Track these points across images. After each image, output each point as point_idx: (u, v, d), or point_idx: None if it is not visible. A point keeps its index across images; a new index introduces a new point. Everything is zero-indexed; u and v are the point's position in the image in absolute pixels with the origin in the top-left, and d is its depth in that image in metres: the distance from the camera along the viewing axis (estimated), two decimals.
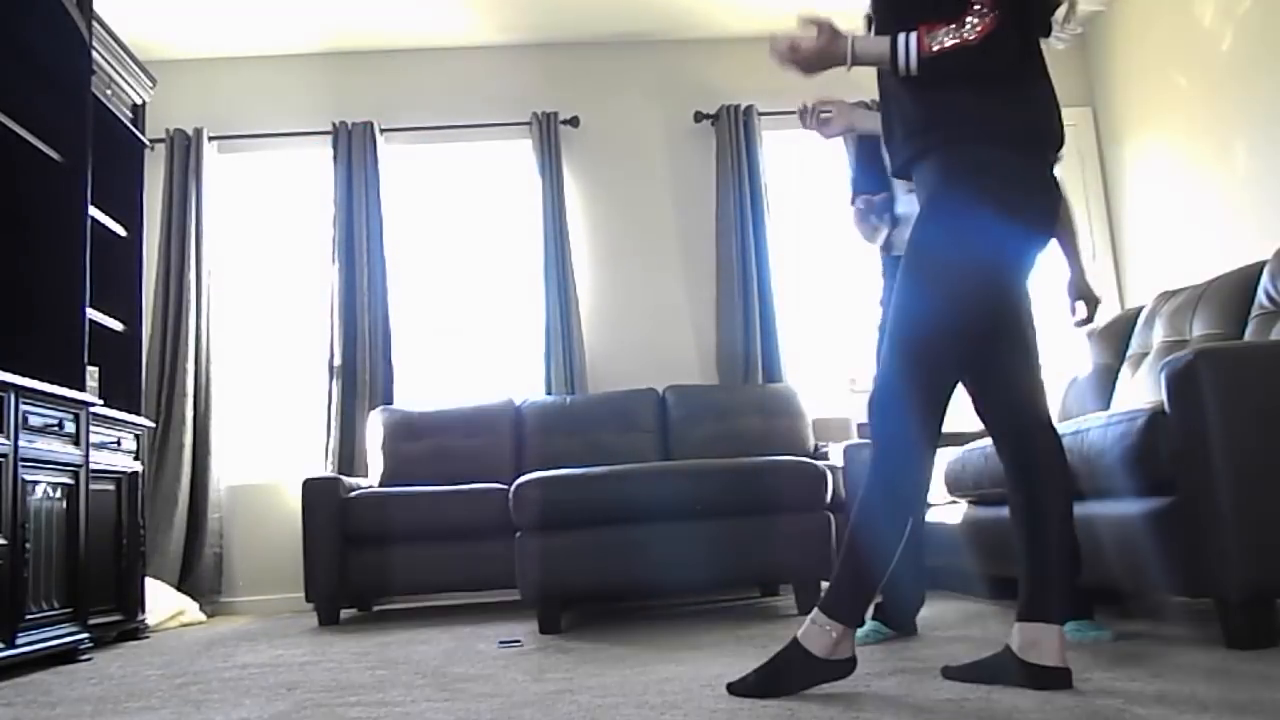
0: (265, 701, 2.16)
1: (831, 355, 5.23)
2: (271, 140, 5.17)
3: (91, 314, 3.51)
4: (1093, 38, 5.37)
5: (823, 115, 2.41)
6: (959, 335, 1.83)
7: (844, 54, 1.84)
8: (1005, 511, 3.06)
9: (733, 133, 5.15)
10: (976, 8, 1.76)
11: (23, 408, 2.91)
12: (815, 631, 1.83)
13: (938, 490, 3.61)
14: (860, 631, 2.43)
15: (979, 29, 1.73)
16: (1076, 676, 1.90)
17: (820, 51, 1.85)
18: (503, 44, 5.28)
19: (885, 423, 1.84)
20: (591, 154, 5.28)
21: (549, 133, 5.12)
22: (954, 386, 1.88)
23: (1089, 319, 2.46)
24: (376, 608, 4.55)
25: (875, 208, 2.59)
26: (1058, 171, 2.43)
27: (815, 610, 1.85)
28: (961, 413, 2.56)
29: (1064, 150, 1.96)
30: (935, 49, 1.76)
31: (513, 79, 5.25)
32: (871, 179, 2.61)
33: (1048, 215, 1.87)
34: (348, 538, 4.02)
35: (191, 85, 5.10)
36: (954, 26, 1.76)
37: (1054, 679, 1.80)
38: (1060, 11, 1.94)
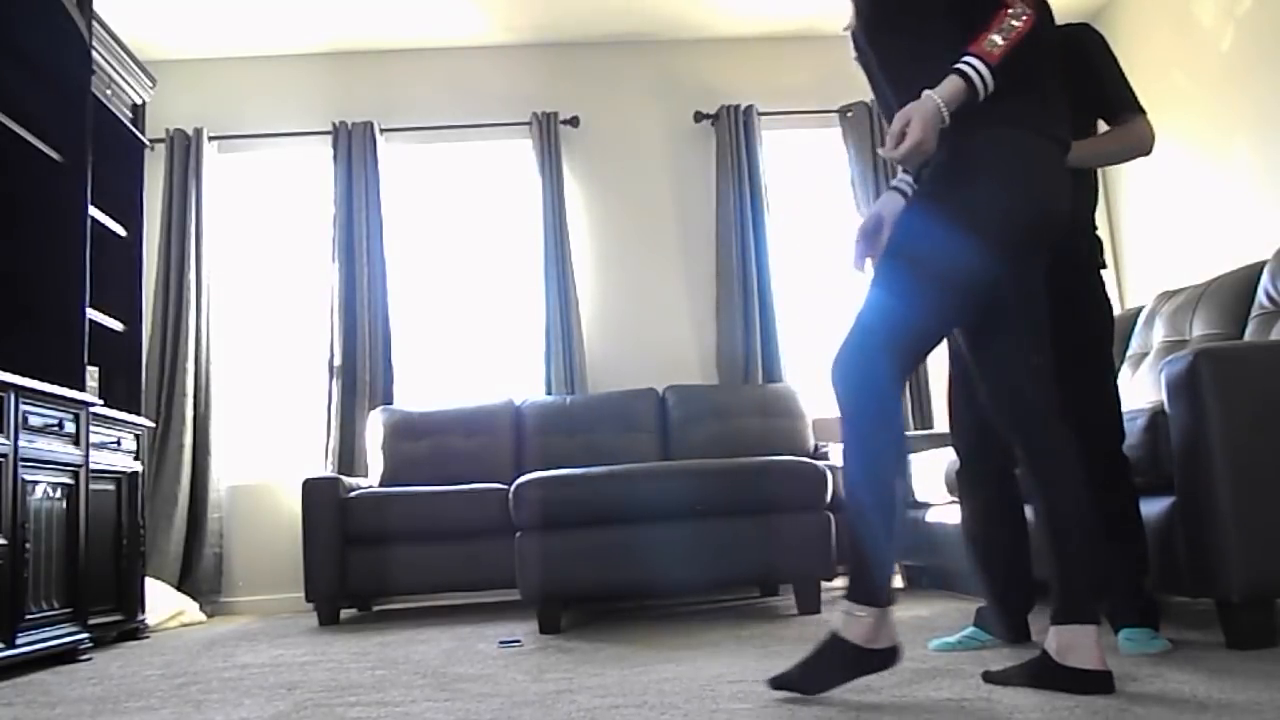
0: (265, 701, 2.16)
1: (831, 355, 5.21)
2: (271, 140, 5.17)
3: (91, 314, 3.51)
4: None
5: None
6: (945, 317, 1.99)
7: (937, 112, 1.82)
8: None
9: (733, 133, 5.15)
10: (1012, 10, 1.83)
11: (23, 408, 2.91)
12: (848, 620, 1.82)
13: (938, 490, 3.61)
14: (954, 638, 2.42)
15: (1024, 17, 1.82)
16: None
17: (922, 131, 1.81)
18: (503, 44, 5.28)
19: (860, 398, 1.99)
20: (591, 154, 5.28)
21: (549, 133, 5.12)
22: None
23: None
24: (376, 608, 4.55)
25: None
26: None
27: (845, 601, 1.84)
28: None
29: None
30: (997, 54, 1.80)
31: (513, 79, 5.25)
32: None
33: (1060, 197, 1.91)
34: (347, 538, 4.02)
35: (191, 85, 5.10)
36: (999, 28, 1.81)
37: (1094, 682, 1.75)
38: None
